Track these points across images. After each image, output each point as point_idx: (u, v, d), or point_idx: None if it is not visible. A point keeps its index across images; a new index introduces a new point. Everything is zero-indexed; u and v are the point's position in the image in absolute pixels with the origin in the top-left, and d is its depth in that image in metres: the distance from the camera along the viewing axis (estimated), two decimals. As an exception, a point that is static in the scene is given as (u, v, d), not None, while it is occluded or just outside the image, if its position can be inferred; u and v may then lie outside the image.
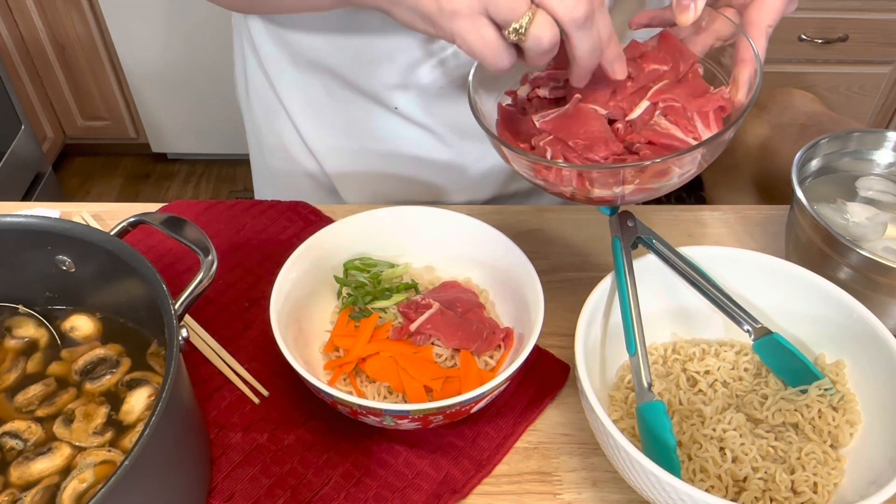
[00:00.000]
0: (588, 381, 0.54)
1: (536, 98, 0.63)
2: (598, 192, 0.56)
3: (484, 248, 0.70)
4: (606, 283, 0.62)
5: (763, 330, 0.62)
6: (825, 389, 0.60)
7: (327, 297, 0.71)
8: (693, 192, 2.11)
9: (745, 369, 0.64)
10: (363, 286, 0.70)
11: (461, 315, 0.67)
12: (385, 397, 0.63)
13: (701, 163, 0.55)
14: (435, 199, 0.89)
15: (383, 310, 0.69)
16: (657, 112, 0.57)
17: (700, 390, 0.63)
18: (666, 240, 0.65)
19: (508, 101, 0.65)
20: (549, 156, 0.56)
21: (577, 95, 0.59)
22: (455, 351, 0.65)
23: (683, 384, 0.63)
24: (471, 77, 0.61)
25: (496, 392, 0.59)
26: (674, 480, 0.48)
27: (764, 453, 0.58)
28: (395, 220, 0.72)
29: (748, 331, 0.62)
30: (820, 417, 0.59)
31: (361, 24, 0.75)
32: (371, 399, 0.62)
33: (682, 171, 0.55)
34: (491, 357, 0.66)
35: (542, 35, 0.51)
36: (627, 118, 0.58)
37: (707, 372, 0.64)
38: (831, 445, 0.59)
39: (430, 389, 0.63)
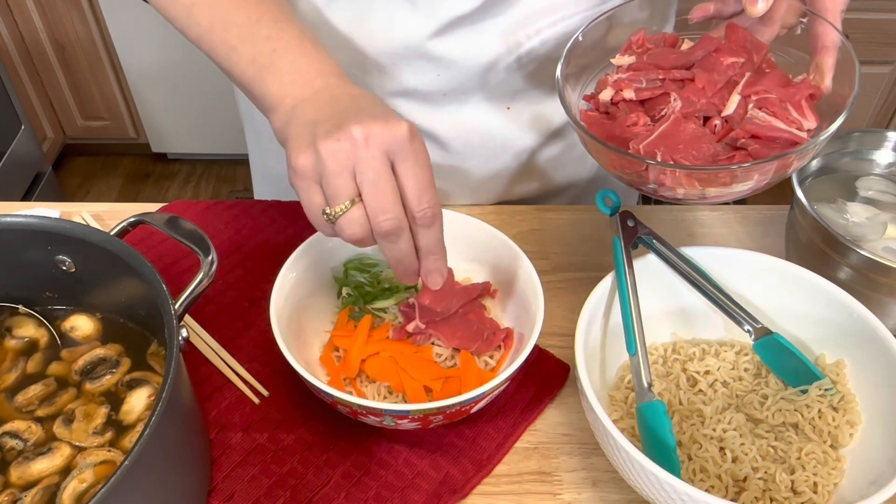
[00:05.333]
0: (588, 381, 0.54)
1: (623, 101, 0.62)
2: (713, 192, 0.56)
3: (484, 248, 0.70)
4: (606, 283, 0.62)
5: (763, 330, 0.62)
6: (825, 389, 0.60)
7: (327, 297, 0.71)
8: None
9: (745, 369, 0.64)
10: (363, 286, 0.70)
11: (461, 315, 0.67)
12: (385, 397, 0.63)
13: (813, 153, 0.55)
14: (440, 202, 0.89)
15: (383, 310, 0.69)
16: (750, 105, 0.57)
17: (700, 390, 0.63)
18: (666, 240, 0.65)
19: (586, 106, 0.64)
20: (658, 158, 0.56)
21: (675, 113, 0.58)
22: (455, 351, 0.65)
23: (683, 384, 0.63)
24: (558, 73, 0.61)
25: (496, 392, 0.59)
26: (674, 480, 0.48)
27: (764, 453, 0.58)
28: None
29: (748, 331, 0.62)
30: (820, 417, 0.59)
31: (364, 32, 0.75)
32: (371, 399, 0.62)
33: (799, 164, 0.55)
34: (491, 357, 0.66)
35: (349, 230, 0.52)
36: (723, 114, 0.58)
37: (707, 372, 0.64)
38: (831, 445, 0.59)
39: (430, 389, 0.63)
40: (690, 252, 0.64)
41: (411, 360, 0.64)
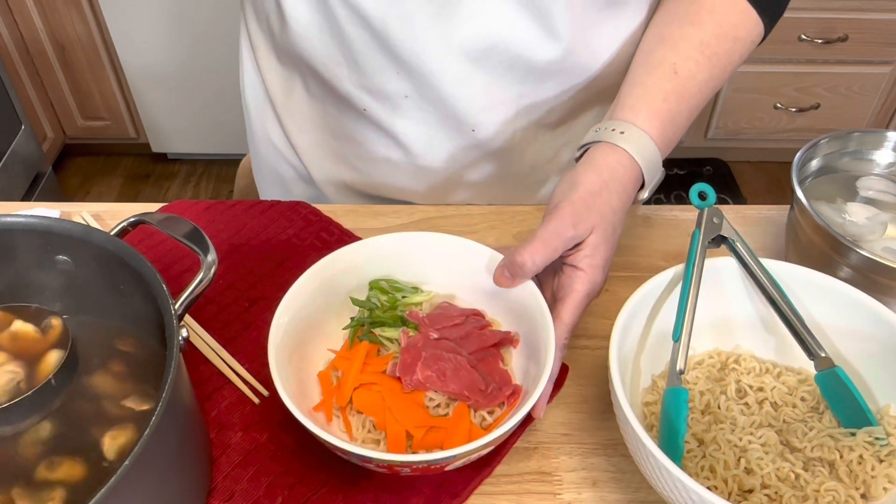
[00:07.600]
0: (621, 385, 0.54)
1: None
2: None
3: (513, 293, 0.65)
4: (653, 284, 0.61)
5: (827, 361, 0.60)
6: (875, 438, 0.57)
7: (341, 316, 0.68)
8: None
9: (802, 398, 0.62)
10: (375, 308, 0.67)
11: (464, 363, 0.62)
12: (369, 431, 0.60)
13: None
14: (407, 199, 0.90)
15: (391, 339, 0.65)
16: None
17: (746, 403, 0.61)
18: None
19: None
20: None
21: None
22: (452, 399, 0.61)
23: (731, 394, 0.62)
24: None
25: (476, 455, 0.55)
26: (673, 467, 0.48)
27: (783, 476, 0.55)
28: (420, 246, 0.68)
29: (813, 359, 0.61)
30: (859, 463, 0.56)
31: (338, 23, 0.75)
32: (355, 430, 0.60)
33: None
34: (490, 413, 0.60)
35: None
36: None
37: (760, 389, 0.62)
38: (862, 495, 0.55)
39: (411, 436, 0.59)
40: (772, 266, 0.63)
41: (400, 400, 0.60)
